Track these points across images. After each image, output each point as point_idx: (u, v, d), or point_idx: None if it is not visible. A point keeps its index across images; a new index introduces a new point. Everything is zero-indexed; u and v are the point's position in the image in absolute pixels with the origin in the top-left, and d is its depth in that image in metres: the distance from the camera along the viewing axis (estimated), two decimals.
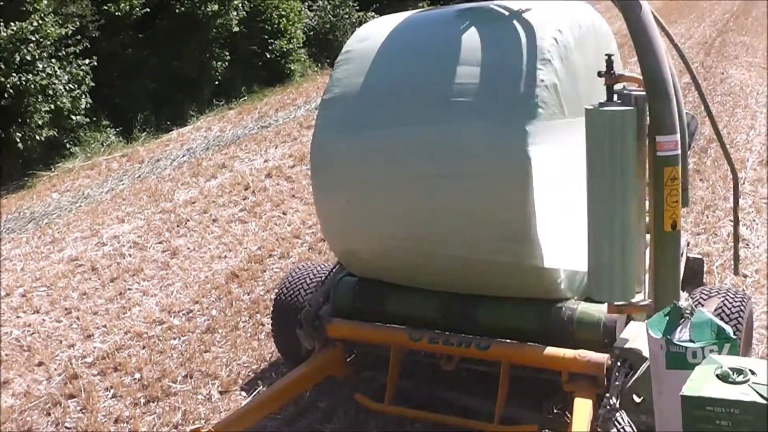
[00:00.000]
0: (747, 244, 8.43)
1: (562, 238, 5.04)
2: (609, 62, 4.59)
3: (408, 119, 5.15)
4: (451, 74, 5.06)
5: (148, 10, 15.74)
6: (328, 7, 21.51)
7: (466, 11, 5.45)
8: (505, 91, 4.92)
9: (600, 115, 4.51)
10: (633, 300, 4.74)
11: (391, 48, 5.48)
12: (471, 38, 5.17)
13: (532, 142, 4.75)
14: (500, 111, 4.89)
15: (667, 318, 3.73)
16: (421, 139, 5.07)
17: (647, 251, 4.80)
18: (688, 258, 6.53)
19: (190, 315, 7.89)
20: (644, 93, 4.54)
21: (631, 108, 4.49)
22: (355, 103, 5.37)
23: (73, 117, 14.03)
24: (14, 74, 12.69)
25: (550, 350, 5.04)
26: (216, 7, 16.83)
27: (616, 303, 4.76)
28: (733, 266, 6.57)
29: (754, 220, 9.08)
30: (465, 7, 5.57)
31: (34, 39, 13.01)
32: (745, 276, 7.70)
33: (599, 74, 4.63)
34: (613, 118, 4.49)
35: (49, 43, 13.43)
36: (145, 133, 15.63)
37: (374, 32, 5.67)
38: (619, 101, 4.56)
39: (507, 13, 5.26)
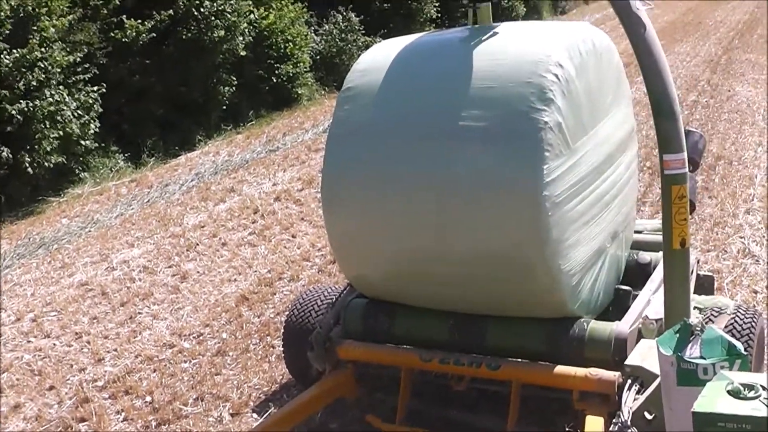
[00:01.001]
0: (758, 261, 8.43)
1: (567, 238, 5.05)
2: None
3: (415, 155, 5.17)
4: (454, 113, 5.07)
5: (155, 35, 15.80)
6: (335, 31, 21.55)
7: (467, 42, 5.45)
8: (509, 133, 4.93)
9: None
10: None
11: (393, 83, 5.48)
12: (473, 74, 5.16)
13: (541, 183, 4.80)
14: (507, 155, 4.91)
15: (678, 335, 3.74)
16: (430, 174, 5.09)
17: None
18: (698, 275, 6.54)
19: (201, 338, 7.90)
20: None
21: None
22: (362, 141, 5.38)
23: (82, 143, 14.07)
24: (21, 101, 12.74)
25: (561, 369, 5.04)
26: (222, 32, 16.89)
27: None
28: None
29: (764, 236, 9.08)
30: (465, 35, 5.57)
31: (42, 66, 13.07)
32: (756, 292, 7.70)
33: None
34: None
35: (58, 70, 13.50)
36: (153, 158, 15.67)
37: (375, 63, 5.65)
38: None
39: (508, 43, 5.27)
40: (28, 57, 12.89)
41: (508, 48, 5.22)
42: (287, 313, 6.65)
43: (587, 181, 5.23)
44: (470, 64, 5.19)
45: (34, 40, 13.07)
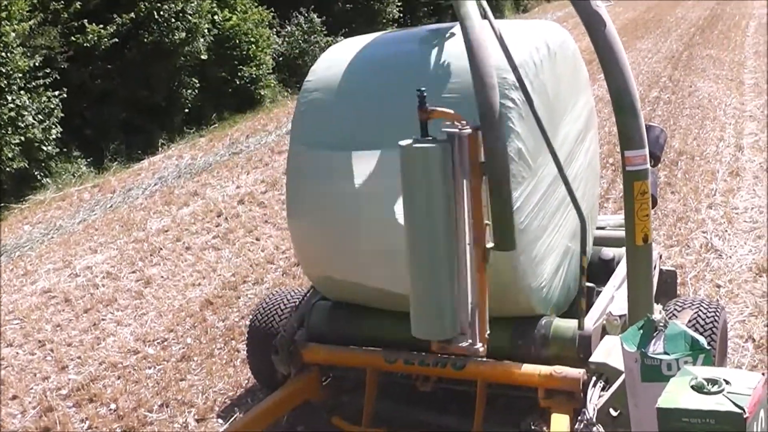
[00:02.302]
0: (720, 255, 8.48)
1: (535, 256, 5.08)
2: (421, 98, 4.50)
3: (378, 144, 5.14)
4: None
5: (116, 40, 15.69)
6: (297, 32, 21.50)
7: (424, 48, 5.41)
8: None
9: (408, 151, 4.49)
10: (456, 340, 4.74)
11: (350, 90, 5.45)
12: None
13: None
14: None
15: (641, 331, 3.74)
16: (393, 164, 5.06)
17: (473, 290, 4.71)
18: (661, 270, 6.56)
19: (165, 343, 7.84)
20: (460, 130, 4.47)
21: (435, 145, 4.45)
22: (324, 142, 5.35)
23: (44, 148, 13.94)
24: None
25: (526, 367, 5.05)
26: (183, 34, 16.81)
27: (437, 340, 4.79)
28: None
29: (726, 231, 9.13)
30: (424, 38, 5.55)
31: (3, 71, 12.95)
32: (719, 286, 7.74)
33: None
34: (417, 155, 4.47)
35: (19, 75, 13.38)
36: (116, 162, 15.55)
37: (334, 64, 5.63)
38: (431, 138, 4.49)
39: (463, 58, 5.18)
40: None
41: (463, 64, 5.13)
42: (251, 316, 6.62)
43: (549, 191, 5.25)
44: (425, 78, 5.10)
45: None
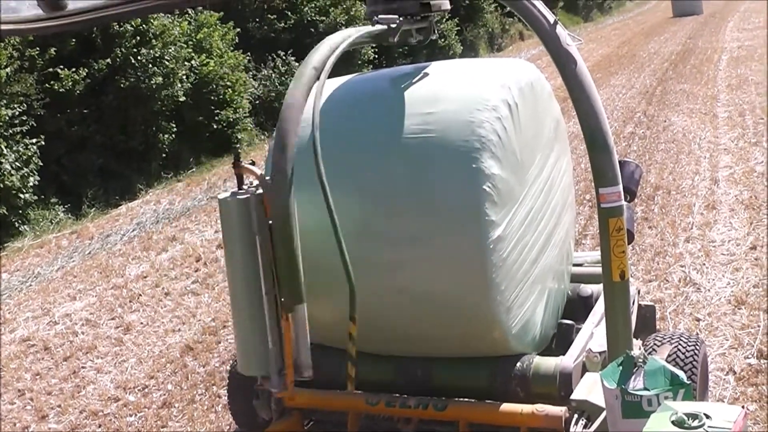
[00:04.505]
0: (698, 288, 8.51)
1: (514, 295, 5.08)
2: (236, 155, 4.89)
3: (358, 209, 5.16)
4: (389, 182, 5.10)
5: (92, 84, 15.70)
6: (273, 75, 21.56)
7: (398, 89, 5.44)
8: (452, 205, 4.94)
9: (221, 203, 4.88)
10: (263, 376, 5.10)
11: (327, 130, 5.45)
12: (403, 139, 5.11)
13: (486, 244, 4.84)
14: (451, 221, 4.93)
15: (621, 367, 3.76)
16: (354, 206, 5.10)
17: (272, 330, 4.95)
18: (639, 306, 6.57)
19: (146, 390, 7.80)
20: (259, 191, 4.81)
21: (233, 199, 4.80)
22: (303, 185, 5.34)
23: (21, 195, 13.91)
24: None
25: (508, 406, 5.03)
26: (161, 79, 16.84)
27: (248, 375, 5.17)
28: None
29: (704, 264, 9.17)
30: (398, 78, 5.56)
31: None
32: (698, 320, 7.77)
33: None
34: (223, 206, 4.89)
35: None
36: (94, 209, 15.52)
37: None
38: (243, 191, 4.84)
39: (440, 98, 5.21)
40: None
41: (436, 102, 5.17)
42: (232, 361, 6.59)
43: (527, 230, 5.26)
44: (401, 123, 5.14)
45: None
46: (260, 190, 4.78)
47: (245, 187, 4.87)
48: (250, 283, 4.85)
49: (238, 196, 4.79)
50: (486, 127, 4.92)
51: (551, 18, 4.81)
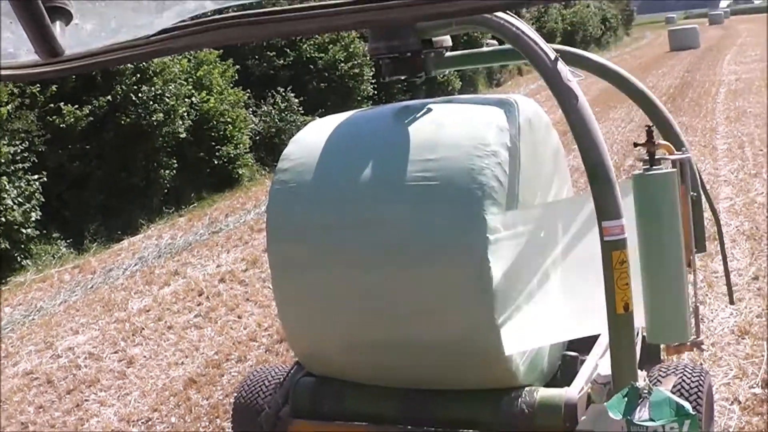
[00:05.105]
0: (702, 319, 8.52)
1: (520, 325, 5.10)
2: (650, 132, 5.22)
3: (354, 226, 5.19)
4: (387, 220, 5.11)
5: (94, 121, 15.80)
6: (273, 112, 21.68)
7: (400, 125, 5.48)
8: (454, 253, 4.96)
9: (647, 179, 5.02)
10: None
11: (325, 175, 5.40)
12: (407, 174, 5.11)
13: (492, 290, 4.86)
14: (454, 253, 4.94)
15: (626, 398, 3.78)
16: (378, 249, 5.11)
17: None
18: (644, 337, 6.58)
19: (150, 423, 7.81)
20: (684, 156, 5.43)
21: (673, 170, 5.08)
22: (305, 213, 5.35)
23: (24, 231, 13.97)
24: None
25: None
26: (161, 116, 16.95)
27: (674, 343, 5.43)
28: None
29: (707, 295, 9.19)
30: (397, 114, 5.60)
31: None
32: (702, 350, 7.77)
33: (635, 144, 5.38)
34: (658, 180, 5.01)
35: (1, 161, 13.47)
36: (96, 243, 15.57)
37: (308, 145, 5.62)
38: (660, 166, 5.04)
39: (438, 143, 5.25)
40: None
41: (436, 139, 5.20)
42: (236, 394, 6.60)
43: (534, 260, 5.30)
44: (405, 162, 5.15)
45: None
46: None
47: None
48: (676, 251, 5.04)
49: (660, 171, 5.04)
50: (487, 174, 4.95)
51: (552, 54, 4.87)
